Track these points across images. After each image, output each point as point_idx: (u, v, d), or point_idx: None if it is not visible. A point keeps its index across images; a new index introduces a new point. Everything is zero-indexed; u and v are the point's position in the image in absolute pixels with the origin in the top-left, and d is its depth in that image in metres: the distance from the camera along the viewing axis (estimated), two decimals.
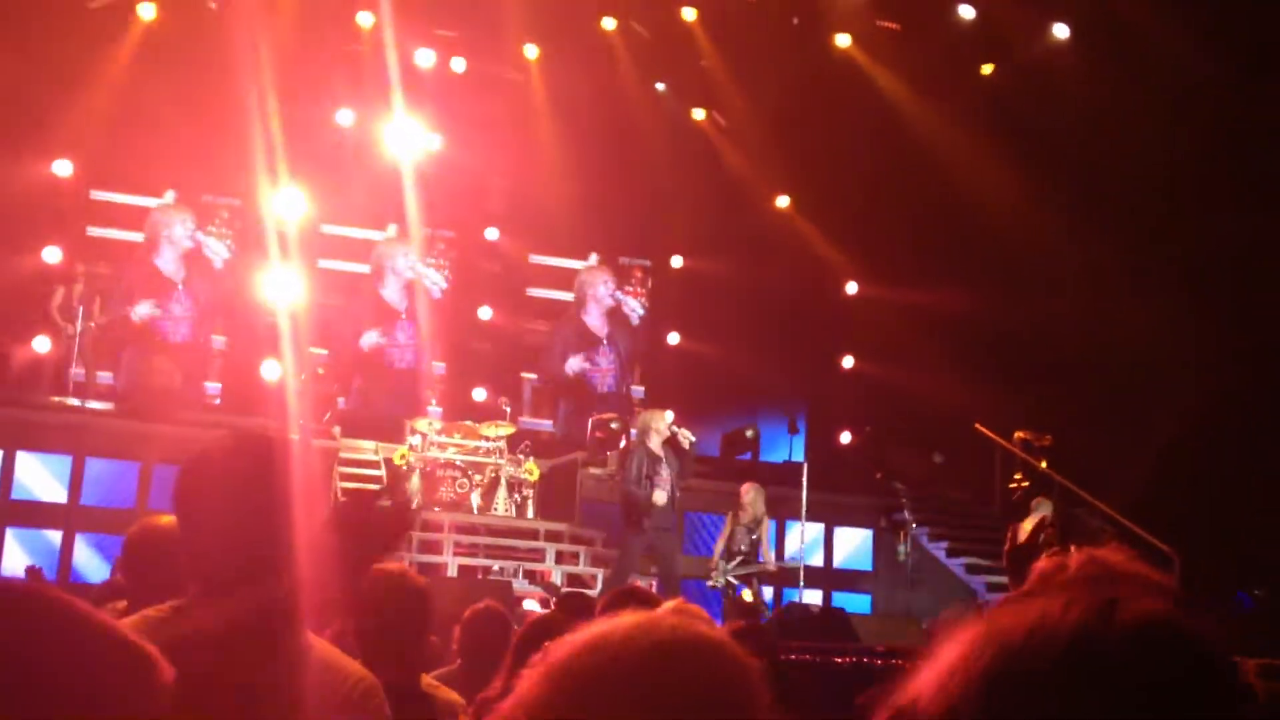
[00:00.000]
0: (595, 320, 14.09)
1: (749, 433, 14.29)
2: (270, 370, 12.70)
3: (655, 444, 10.91)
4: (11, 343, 12.48)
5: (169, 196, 13.13)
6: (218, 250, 13.81)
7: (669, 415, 11.22)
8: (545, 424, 14.41)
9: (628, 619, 1.12)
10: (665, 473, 10.87)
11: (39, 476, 11.62)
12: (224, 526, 2.16)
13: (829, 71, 15.06)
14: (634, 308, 15.43)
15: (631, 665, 1.07)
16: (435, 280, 14.54)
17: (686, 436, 11.10)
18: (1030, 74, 14.49)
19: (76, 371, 12.65)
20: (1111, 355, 13.43)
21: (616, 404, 13.81)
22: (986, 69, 15.14)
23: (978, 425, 13.36)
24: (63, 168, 12.92)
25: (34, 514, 11.47)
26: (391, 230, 13.98)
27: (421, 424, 11.96)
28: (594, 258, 14.76)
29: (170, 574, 2.35)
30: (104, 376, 12.84)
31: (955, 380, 13.60)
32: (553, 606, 7.51)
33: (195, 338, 12.80)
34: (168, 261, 12.64)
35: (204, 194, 13.60)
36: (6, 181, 12.44)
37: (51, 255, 12.71)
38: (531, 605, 10.09)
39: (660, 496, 10.75)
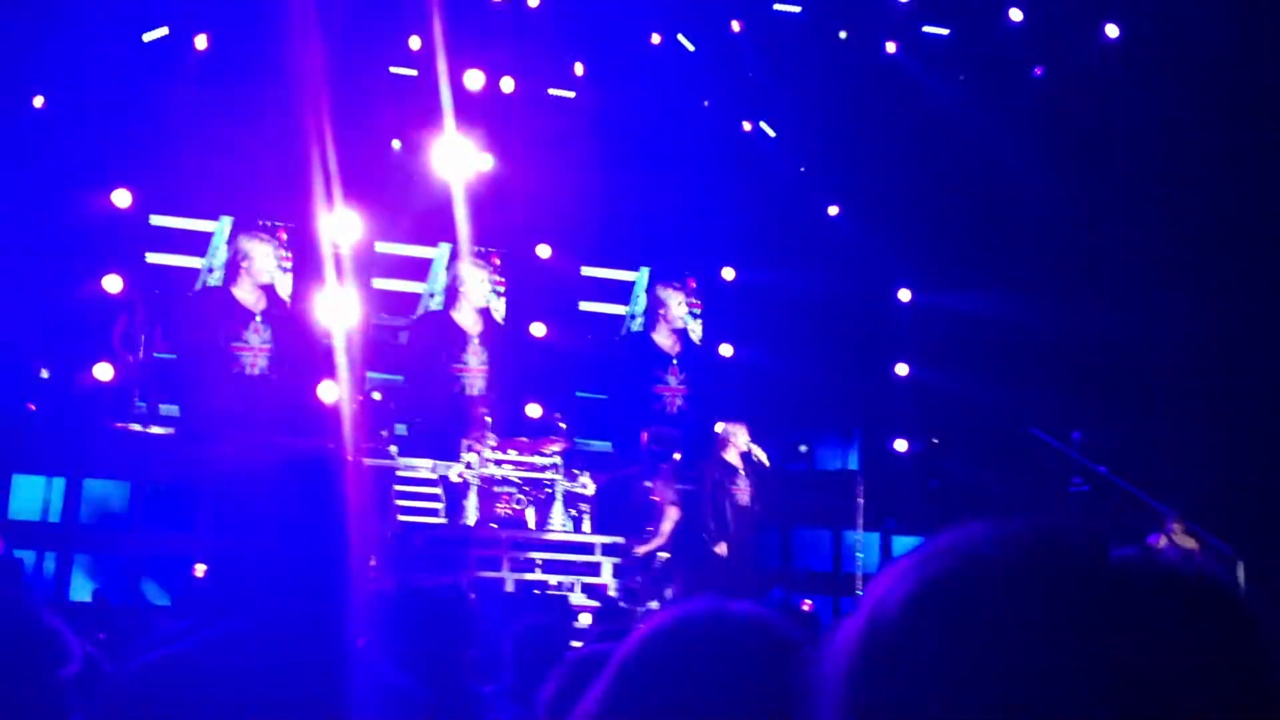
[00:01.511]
0: (666, 339, 14.26)
1: (802, 448, 14.27)
2: (327, 392, 12.83)
3: (733, 456, 11.01)
4: (75, 372, 12.70)
5: (225, 222, 13.32)
6: (284, 281, 13.90)
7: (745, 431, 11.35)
8: (603, 442, 14.46)
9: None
10: (742, 484, 10.97)
11: (101, 501, 11.83)
12: None
13: (877, 78, 15.03)
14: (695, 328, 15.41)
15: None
16: (497, 304, 14.67)
17: (761, 457, 11.19)
18: (1082, 76, 14.39)
19: (140, 403, 12.86)
20: (1171, 358, 13.28)
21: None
22: (1038, 71, 15.05)
23: (1035, 430, 13.25)
24: (121, 198, 13.14)
25: (97, 538, 11.67)
26: (444, 249, 14.13)
27: (477, 441, 12.05)
28: (645, 272, 14.85)
29: None
30: (167, 406, 13.04)
31: (1012, 385, 13.51)
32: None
33: (272, 372, 12.90)
34: (247, 291, 12.83)
35: (260, 219, 13.76)
36: (65, 212, 12.68)
37: (112, 284, 12.91)
38: (587, 619, 10.13)
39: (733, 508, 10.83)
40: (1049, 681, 0.87)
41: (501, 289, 14.66)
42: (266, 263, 12.86)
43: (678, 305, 14.28)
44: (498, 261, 14.71)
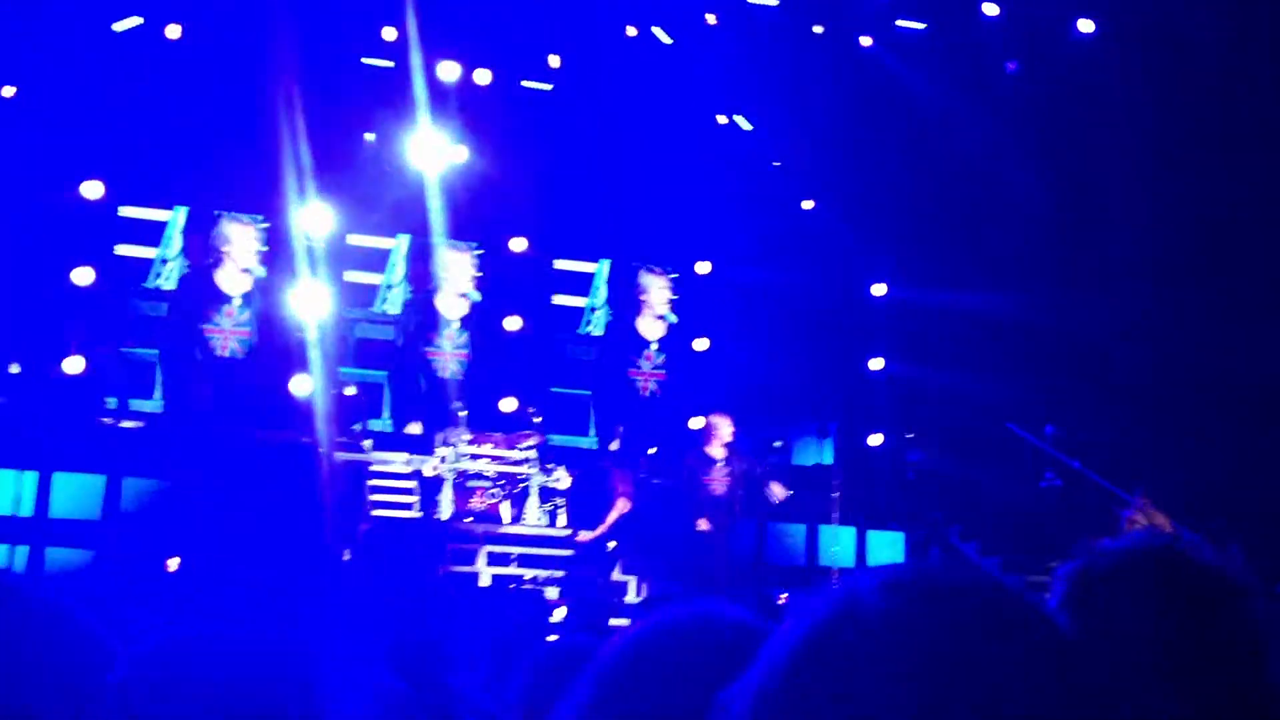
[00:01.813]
0: (648, 326, 14.25)
1: (777, 444, 14.28)
2: (300, 385, 12.75)
3: (716, 448, 10.98)
4: (45, 365, 12.58)
5: (179, 212, 13.12)
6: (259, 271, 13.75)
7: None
8: (579, 436, 14.43)
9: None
10: (719, 476, 10.95)
11: (73, 497, 11.73)
12: None
13: (853, 72, 15.05)
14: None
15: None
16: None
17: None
18: (1057, 70, 14.44)
19: (109, 400, 12.76)
20: (1147, 352, 13.35)
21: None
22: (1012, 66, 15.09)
23: (1009, 424, 13.31)
24: (92, 189, 13.02)
25: (68, 534, 11.57)
26: (403, 239, 14.04)
27: (452, 435, 12.01)
28: (605, 265, 14.81)
29: None
30: (138, 401, 12.93)
31: (987, 379, 13.56)
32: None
33: (248, 358, 12.72)
34: (228, 276, 12.64)
35: (230, 210, 13.65)
36: (35, 204, 12.56)
37: (82, 277, 12.79)
38: (562, 613, 10.11)
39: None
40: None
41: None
42: (248, 247, 12.71)
43: (659, 290, 14.21)
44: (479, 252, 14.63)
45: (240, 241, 12.65)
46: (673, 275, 14.90)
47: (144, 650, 1.94)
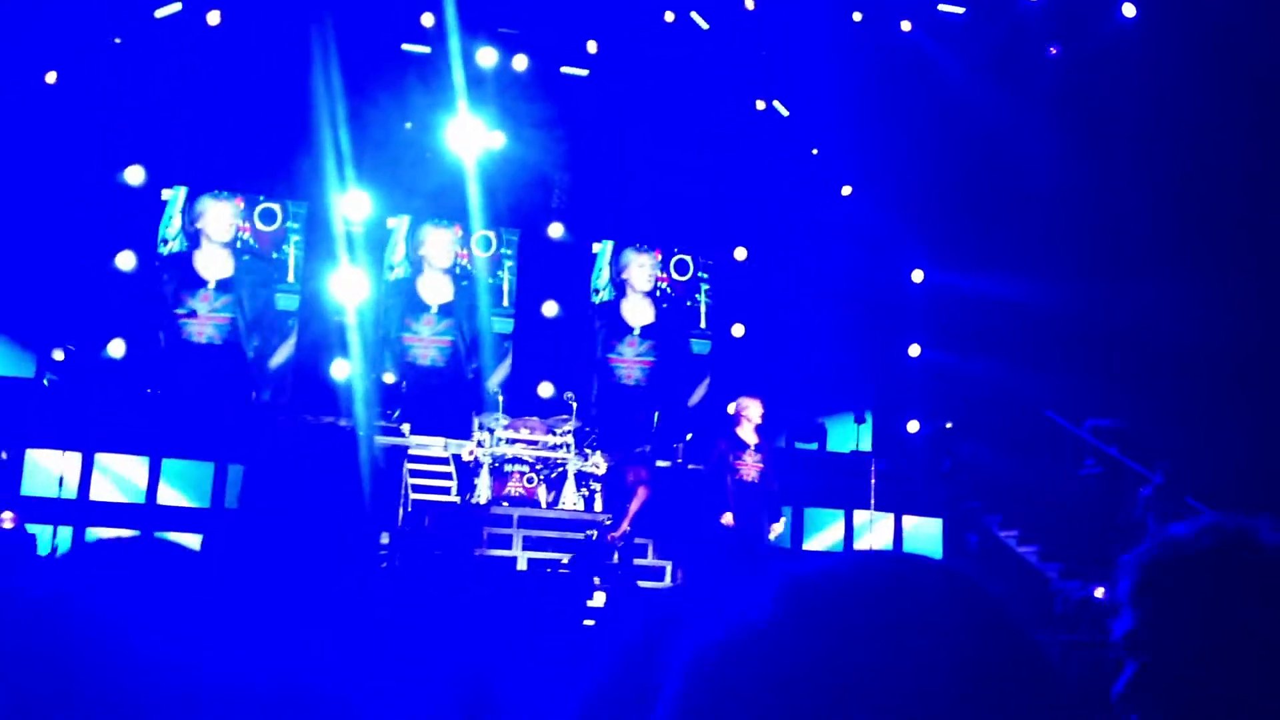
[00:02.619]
0: (634, 309, 14.04)
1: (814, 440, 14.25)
2: (339, 369, 12.85)
3: (746, 431, 10.94)
4: (90, 348, 12.71)
5: (179, 191, 13.07)
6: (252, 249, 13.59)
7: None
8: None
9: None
10: (750, 460, 10.92)
11: (118, 478, 11.86)
12: None
13: (892, 57, 14.96)
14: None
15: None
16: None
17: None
18: (1099, 55, 14.31)
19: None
20: (1186, 340, 13.23)
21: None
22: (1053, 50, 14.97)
23: (1048, 413, 13.23)
24: (134, 175, 13.13)
25: (113, 515, 11.70)
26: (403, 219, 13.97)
27: (489, 419, 12.06)
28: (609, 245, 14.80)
29: None
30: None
31: (1025, 367, 13.49)
32: None
33: (230, 341, 12.59)
34: (206, 257, 12.55)
35: (257, 194, 13.61)
36: (79, 189, 12.69)
37: (125, 261, 12.91)
38: (601, 597, 10.15)
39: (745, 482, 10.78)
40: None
41: (465, 261, 14.49)
42: (225, 223, 12.59)
43: (639, 268, 13.98)
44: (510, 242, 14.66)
45: (215, 218, 12.44)
46: (664, 254, 14.64)
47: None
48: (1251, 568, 1.52)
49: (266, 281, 13.53)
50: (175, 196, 13.62)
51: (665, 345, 14.28)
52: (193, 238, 12.84)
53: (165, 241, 13.49)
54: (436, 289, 13.85)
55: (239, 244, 13.26)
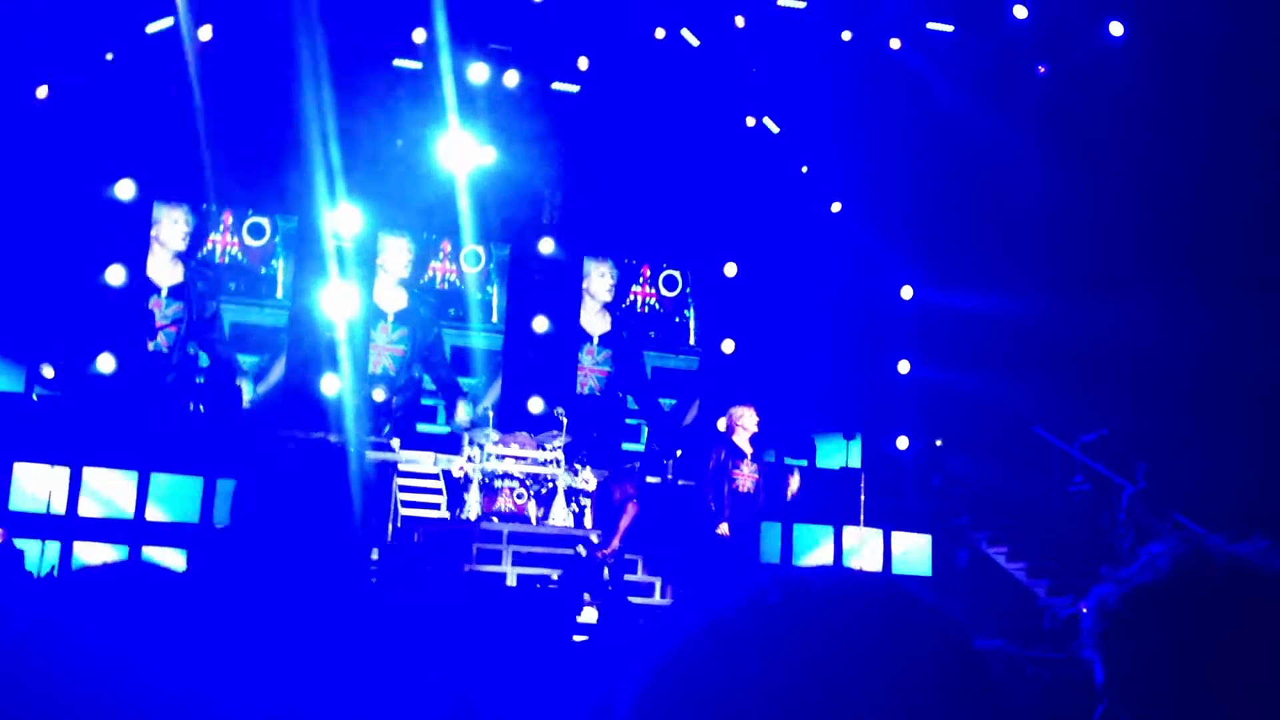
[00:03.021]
0: (590, 317, 13.97)
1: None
2: (329, 385, 12.84)
3: (741, 440, 10.90)
4: (78, 363, 12.69)
5: (126, 187, 12.99)
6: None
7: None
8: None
9: None
10: (746, 470, 10.88)
11: (107, 492, 11.83)
12: None
13: (881, 74, 15.01)
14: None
15: None
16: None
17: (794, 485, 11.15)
18: (1087, 73, 14.38)
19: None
20: (1175, 356, 13.28)
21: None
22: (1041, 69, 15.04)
23: (1037, 429, 13.26)
24: (125, 189, 13.13)
25: (101, 530, 11.67)
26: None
27: (479, 435, 12.05)
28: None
29: None
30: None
31: (1014, 383, 13.52)
32: None
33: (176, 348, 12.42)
34: (158, 263, 12.40)
35: (246, 209, 13.59)
36: (69, 203, 12.68)
37: (115, 276, 12.90)
38: (592, 614, 10.14)
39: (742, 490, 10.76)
40: None
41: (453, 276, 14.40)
42: (175, 231, 12.48)
43: (600, 278, 13.92)
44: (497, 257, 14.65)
45: (166, 225, 12.31)
46: (653, 270, 14.58)
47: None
48: (1208, 588, 1.48)
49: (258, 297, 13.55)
50: (215, 212, 13.62)
51: (622, 355, 14.27)
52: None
53: (208, 256, 13.43)
54: (391, 298, 13.86)
55: (228, 259, 13.25)
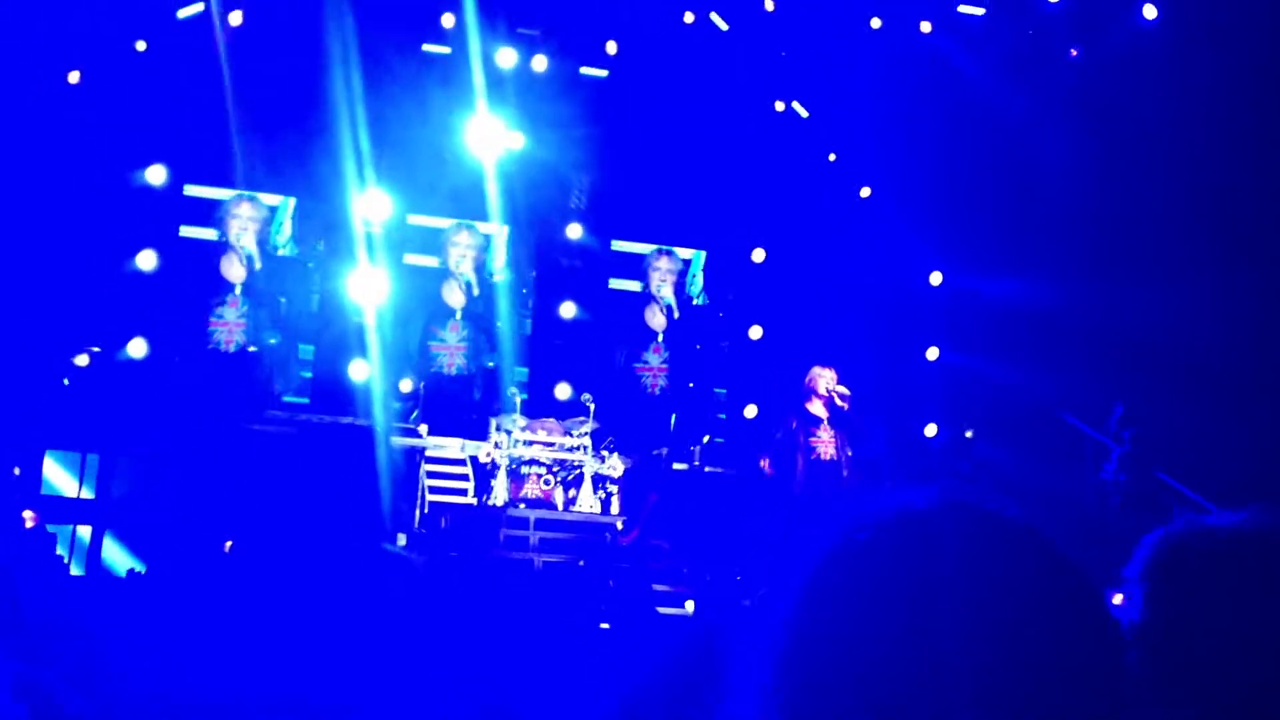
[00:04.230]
0: (656, 315, 13.71)
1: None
2: (357, 370, 12.85)
3: (817, 406, 10.60)
4: (109, 349, 12.75)
5: (158, 173, 12.82)
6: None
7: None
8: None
9: None
10: (825, 436, 10.60)
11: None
12: None
13: (912, 58, 14.92)
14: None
15: None
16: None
17: (840, 394, 10.64)
18: (1119, 57, 14.25)
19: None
20: (1207, 342, 13.17)
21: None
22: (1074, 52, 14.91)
23: (1067, 416, 13.18)
24: (156, 174, 13.17)
25: (131, 514, 11.73)
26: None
27: (507, 421, 12.04)
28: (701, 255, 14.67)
29: None
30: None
31: (1045, 370, 13.43)
32: None
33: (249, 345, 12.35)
34: (231, 262, 12.34)
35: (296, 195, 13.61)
36: (100, 188, 12.74)
37: (146, 260, 12.94)
38: (617, 599, 10.14)
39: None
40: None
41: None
42: (249, 228, 12.33)
43: (669, 274, 13.57)
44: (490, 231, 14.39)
45: (238, 220, 12.13)
46: (689, 256, 14.46)
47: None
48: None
49: (286, 282, 13.45)
50: (285, 204, 13.61)
51: (679, 350, 13.92)
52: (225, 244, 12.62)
53: (276, 249, 13.30)
54: (458, 295, 13.70)
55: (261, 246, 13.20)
